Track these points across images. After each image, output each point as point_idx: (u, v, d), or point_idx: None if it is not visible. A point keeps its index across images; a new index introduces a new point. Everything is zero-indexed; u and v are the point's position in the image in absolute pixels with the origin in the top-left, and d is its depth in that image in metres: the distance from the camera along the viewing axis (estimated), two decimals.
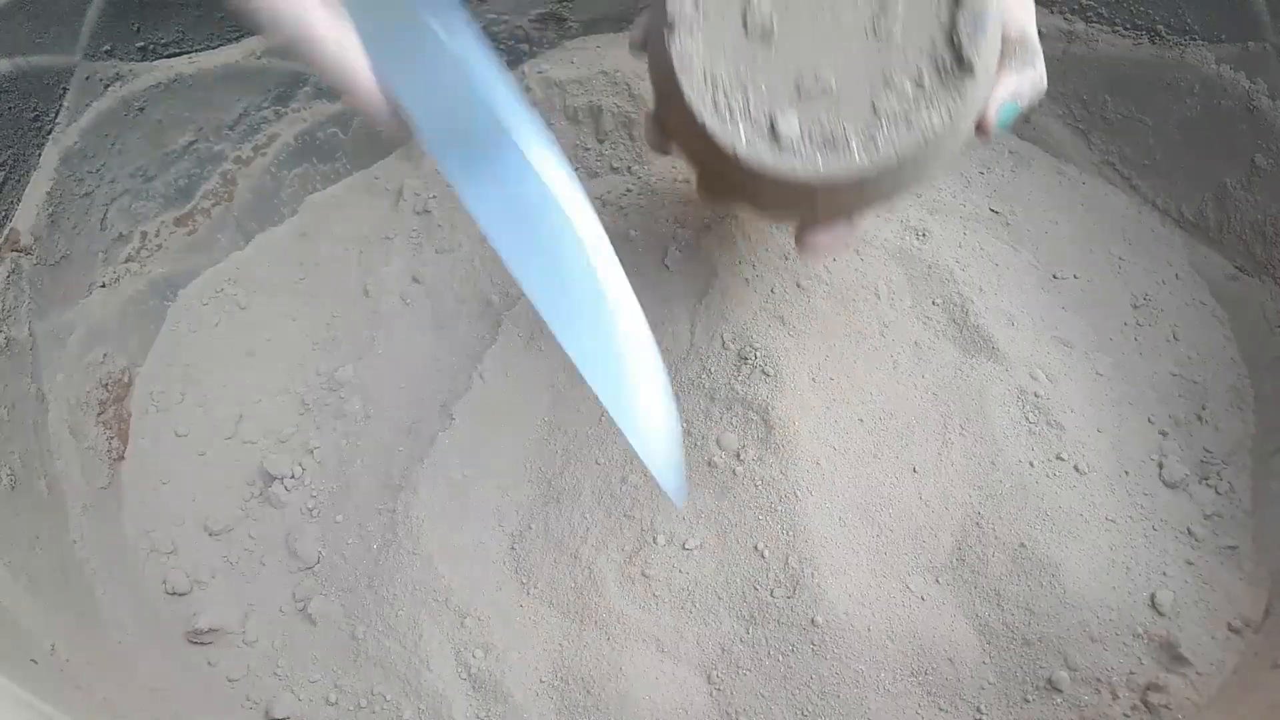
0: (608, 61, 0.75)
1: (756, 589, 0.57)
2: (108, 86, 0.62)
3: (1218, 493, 0.62)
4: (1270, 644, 0.55)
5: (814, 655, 0.56)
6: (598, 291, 0.43)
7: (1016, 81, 0.49)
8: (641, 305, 0.44)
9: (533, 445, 0.64)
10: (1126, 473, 0.62)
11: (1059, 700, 0.55)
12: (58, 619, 0.51)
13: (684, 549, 0.59)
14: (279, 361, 0.70)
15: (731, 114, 0.47)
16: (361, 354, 0.69)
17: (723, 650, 0.57)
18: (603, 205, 0.72)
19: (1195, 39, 0.68)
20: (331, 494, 0.64)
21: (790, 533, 0.58)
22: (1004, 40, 0.48)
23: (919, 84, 0.46)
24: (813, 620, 0.56)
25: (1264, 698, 0.50)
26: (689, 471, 0.59)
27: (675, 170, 0.74)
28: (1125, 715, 0.54)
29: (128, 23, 0.62)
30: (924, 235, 0.68)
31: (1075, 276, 0.70)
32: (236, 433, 0.66)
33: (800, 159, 0.46)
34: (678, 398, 0.62)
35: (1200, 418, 0.65)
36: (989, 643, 0.56)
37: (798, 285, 0.65)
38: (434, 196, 0.76)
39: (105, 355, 0.65)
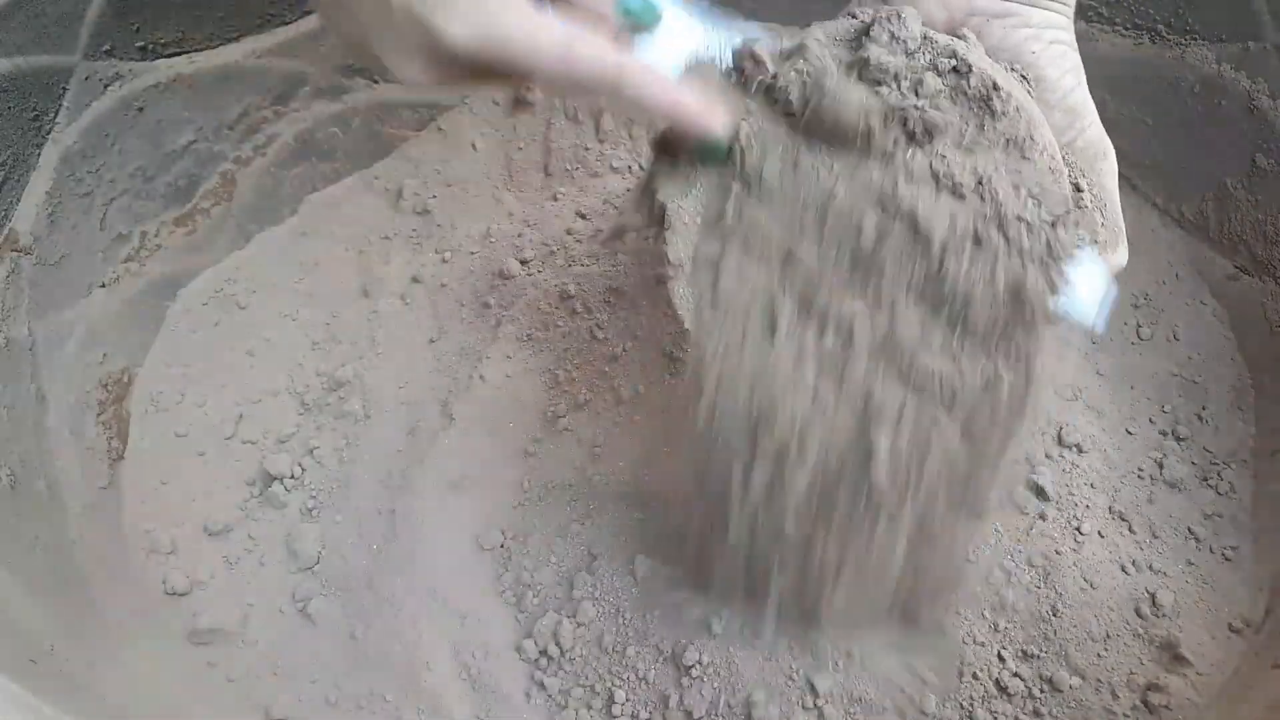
0: None
1: None
2: (107, 86, 0.62)
3: (1218, 493, 0.62)
4: (1270, 644, 0.55)
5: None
6: None
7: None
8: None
9: (532, 445, 0.64)
10: (1127, 473, 0.62)
11: (1059, 700, 0.55)
12: (57, 619, 0.51)
13: None
14: (279, 361, 0.69)
15: None
16: (361, 354, 0.69)
17: None
18: (603, 205, 0.72)
19: (1196, 39, 0.68)
20: (331, 494, 0.64)
21: None
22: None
23: None
24: None
25: (1264, 698, 0.50)
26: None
27: None
28: (1125, 715, 0.54)
29: (128, 23, 0.62)
30: None
31: None
32: (236, 433, 0.66)
33: None
34: None
35: (1200, 418, 0.65)
36: (989, 643, 0.56)
37: None
38: (434, 196, 0.76)
39: (105, 355, 0.65)
